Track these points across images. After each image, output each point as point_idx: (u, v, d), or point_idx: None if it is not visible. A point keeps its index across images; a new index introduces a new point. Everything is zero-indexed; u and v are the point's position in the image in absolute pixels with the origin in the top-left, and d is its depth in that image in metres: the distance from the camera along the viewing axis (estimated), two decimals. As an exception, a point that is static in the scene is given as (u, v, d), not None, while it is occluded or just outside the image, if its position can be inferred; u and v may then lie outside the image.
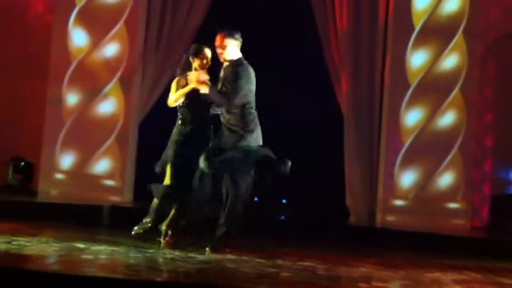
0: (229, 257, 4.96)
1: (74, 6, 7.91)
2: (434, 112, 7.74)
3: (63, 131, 7.80)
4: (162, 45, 8.16)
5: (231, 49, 5.35)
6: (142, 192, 8.05)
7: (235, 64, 5.34)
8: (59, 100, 7.83)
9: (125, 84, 7.94)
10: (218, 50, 5.38)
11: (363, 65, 8.07)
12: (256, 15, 7.97)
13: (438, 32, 7.78)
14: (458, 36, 7.78)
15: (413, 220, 7.58)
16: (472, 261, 5.95)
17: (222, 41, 5.34)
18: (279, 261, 5.04)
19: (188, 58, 5.53)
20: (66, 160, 7.83)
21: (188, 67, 5.52)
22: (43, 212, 6.81)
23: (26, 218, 6.29)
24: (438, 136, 7.74)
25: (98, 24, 7.90)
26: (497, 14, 8.59)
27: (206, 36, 8.04)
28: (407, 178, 7.76)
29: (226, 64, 5.40)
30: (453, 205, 7.76)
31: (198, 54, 5.44)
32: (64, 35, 7.89)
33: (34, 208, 6.98)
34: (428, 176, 7.71)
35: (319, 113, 8.22)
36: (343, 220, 7.80)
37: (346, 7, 8.00)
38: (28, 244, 4.89)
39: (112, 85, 7.89)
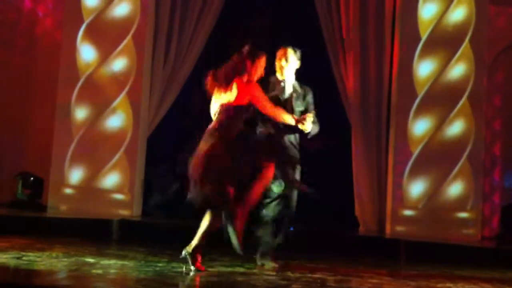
0: (238, 270, 4.96)
1: (82, 21, 7.98)
2: (442, 121, 7.72)
3: (72, 146, 7.84)
4: (170, 59, 8.22)
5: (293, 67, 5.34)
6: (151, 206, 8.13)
7: (306, 86, 5.38)
8: None
9: (133, 98, 7.99)
10: (282, 63, 5.29)
11: (371, 76, 8.08)
12: (263, 31, 8.02)
13: (444, 41, 7.78)
14: (465, 45, 7.78)
15: (423, 230, 7.55)
16: (482, 271, 5.92)
17: (288, 55, 5.28)
18: (289, 273, 5.03)
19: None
20: (75, 175, 7.86)
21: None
22: (52, 227, 6.84)
23: (35, 233, 6.32)
24: (446, 145, 7.72)
25: (106, 39, 7.97)
26: (504, 22, 8.60)
27: (213, 51, 8.18)
28: (416, 188, 7.74)
29: (288, 82, 5.32)
30: (462, 215, 7.72)
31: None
32: (72, 51, 7.96)
33: (44, 223, 7.01)
34: (437, 186, 7.69)
35: (327, 125, 8.21)
36: (353, 231, 7.78)
37: (352, 19, 8.04)
38: (38, 259, 4.91)
39: (120, 100, 7.94)
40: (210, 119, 5.11)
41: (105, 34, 7.98)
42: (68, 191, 7.87)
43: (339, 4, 8.09)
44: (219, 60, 5.34)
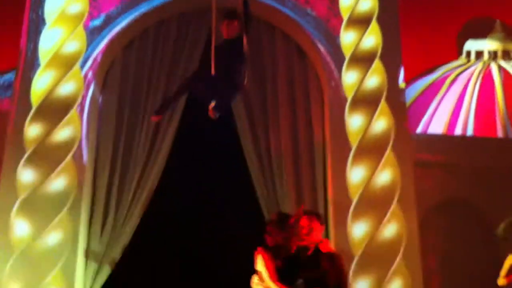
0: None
1: (15, 198, 7.81)
2: (376, 228, 7.66)
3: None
4: (106, 233, 8.12)
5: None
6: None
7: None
8: None
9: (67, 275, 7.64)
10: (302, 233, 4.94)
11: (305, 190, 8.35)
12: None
13: (371, 150, 7.92)
14: (389, 151, 7.95)
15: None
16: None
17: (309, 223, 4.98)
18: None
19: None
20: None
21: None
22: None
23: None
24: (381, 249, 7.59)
25: (40, 214, 7.73)
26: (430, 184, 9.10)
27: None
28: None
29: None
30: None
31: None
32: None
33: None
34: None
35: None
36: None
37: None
38: None
39: (53, 276, 7.51)
40: None
41: (40, 209, 7.78)
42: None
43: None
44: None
